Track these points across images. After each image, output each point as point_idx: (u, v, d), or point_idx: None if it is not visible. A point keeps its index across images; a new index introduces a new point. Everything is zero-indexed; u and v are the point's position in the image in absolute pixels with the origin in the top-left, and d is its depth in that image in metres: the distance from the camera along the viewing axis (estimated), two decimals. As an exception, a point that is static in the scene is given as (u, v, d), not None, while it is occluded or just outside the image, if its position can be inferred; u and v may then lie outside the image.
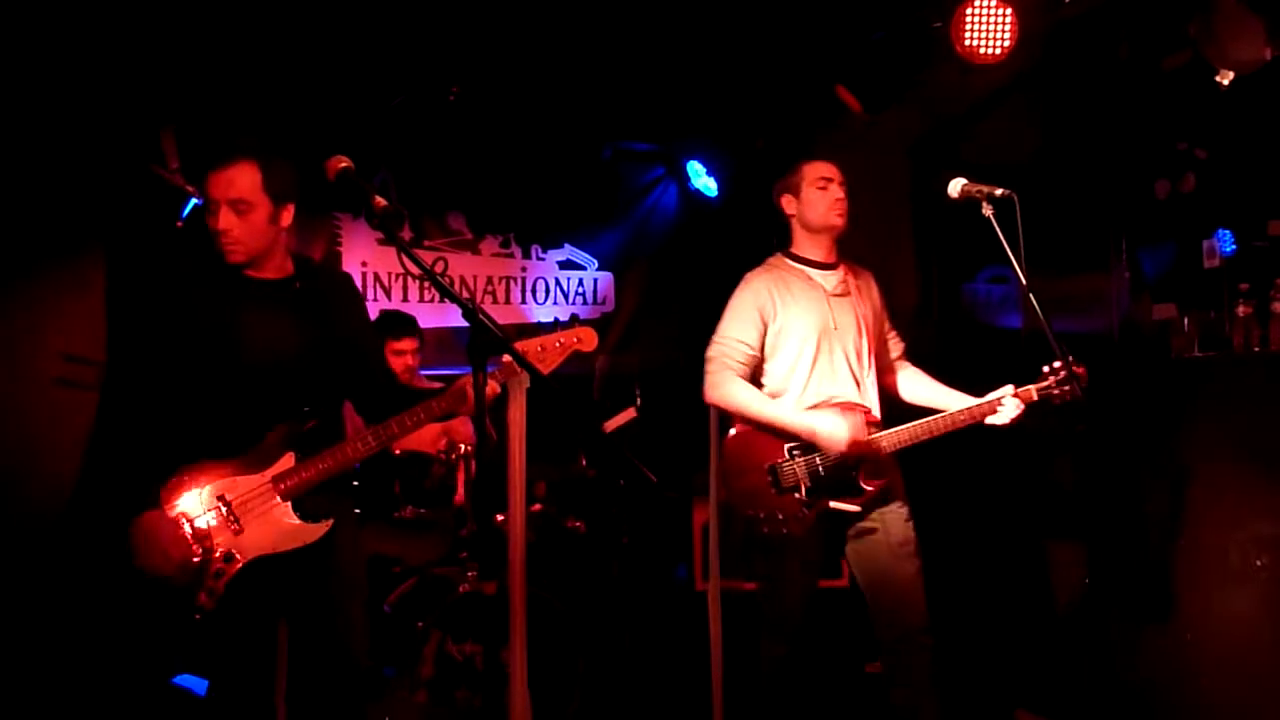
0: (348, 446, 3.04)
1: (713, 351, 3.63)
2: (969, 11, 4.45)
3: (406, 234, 5.79)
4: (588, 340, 3.11)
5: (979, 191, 3.27)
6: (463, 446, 4.36)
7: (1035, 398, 3.46)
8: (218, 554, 2.92)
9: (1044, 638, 4.75)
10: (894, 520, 3.57)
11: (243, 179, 2.93)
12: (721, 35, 5.11)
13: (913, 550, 3.55)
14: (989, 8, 4.44)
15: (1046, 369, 3.44)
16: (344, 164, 2.65)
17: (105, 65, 4.53)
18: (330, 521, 3.04)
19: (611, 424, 4.84)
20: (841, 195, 3.69)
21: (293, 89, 5.20)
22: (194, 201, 4.83)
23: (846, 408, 3.54)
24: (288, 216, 3.05)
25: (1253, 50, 4.04)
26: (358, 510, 4.20)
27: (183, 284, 3.03)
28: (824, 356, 3.57)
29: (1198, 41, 4.14)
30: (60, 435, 4.22)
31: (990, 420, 3.50)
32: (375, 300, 5.93)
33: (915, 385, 3.80)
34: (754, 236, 6.64)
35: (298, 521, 3.00)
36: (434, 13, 4.75)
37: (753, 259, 6.68)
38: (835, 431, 3.45)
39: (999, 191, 3.23)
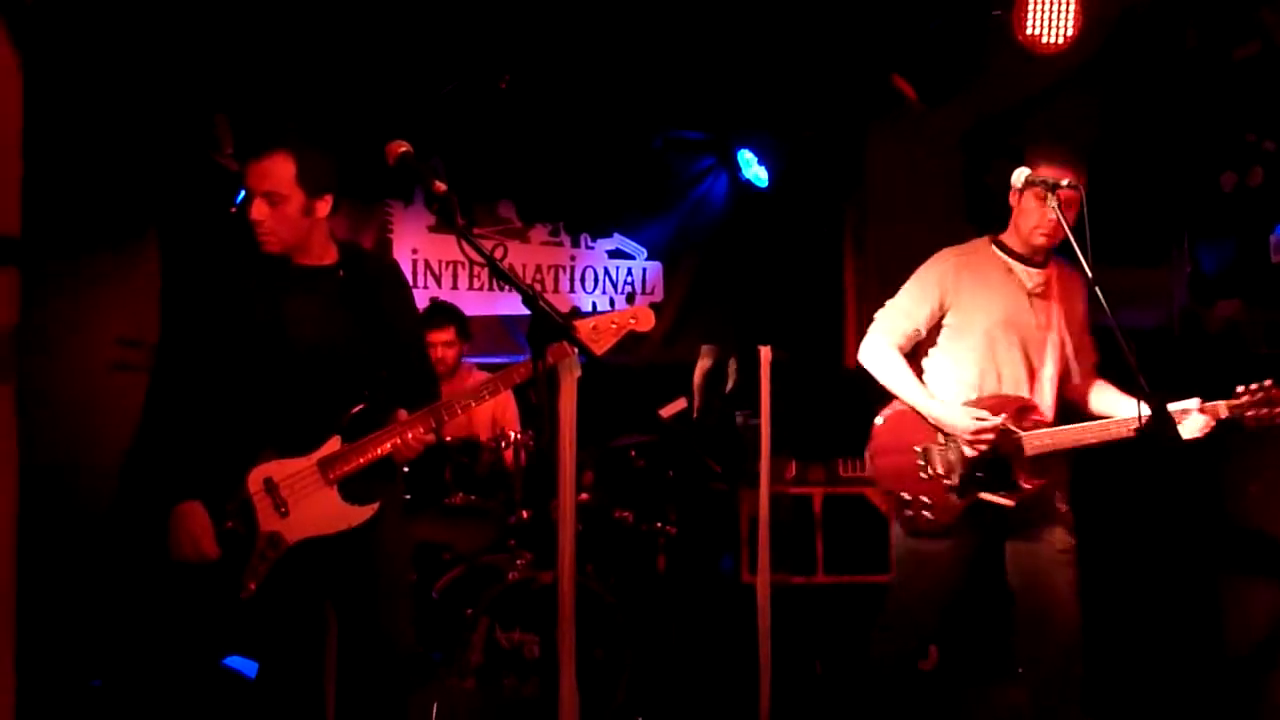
0: (394, 432, 3.02)
1: (879, 315, 3.54)
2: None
3: (459, 220, 5.81)
4: (644, 320, 3.07)
5: (1044, 182, 3.21)
6: (513, 434, 4.39)
7: (1225, 414, 3.18)
8: (262, 536, 2.94)
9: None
10: (1057, 523, 3.40)
11: (277, 170, 2.95)
12: (775, 23, 5.06)
13: (1071, 558, 3.38)
14: (1052, -5, 4.34)
15: (1241, 388, 3.17)
16: (404, 148, 2.65)
17: (161, 52, 4.56)
18: (376, 505, 3.05)
19: (662, 414, 4.82)
20: (1054, 216, 3.26)
21: (346, 75, 5.22)
22: (247, 187, 4.86)
23: (1008, 403, 3.38)
24: (324, 208, 3.05)
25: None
26: (408, 496, 4.24)
27: (230, 269, 3.05)
28: (1001, 353, 3.41)
29: (1271, 31, 4.04)
30: (116, 418, 4.26)
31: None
32: (425, 288, 5.96)
33: (1102, 397, 3.55)
34: (805, 227, 6.64)
35: (344, 504, 3.01)
36: (486, 1, 4.74)
37: (804, 249, 6.66)
38: (956, 420, 3.34)
39: (1065, 182, 3.16)
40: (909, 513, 3.38)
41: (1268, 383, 3.15)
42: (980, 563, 3.46)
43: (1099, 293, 2.98)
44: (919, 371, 3.53)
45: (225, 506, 2.94)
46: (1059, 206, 3.22)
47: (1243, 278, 4.40)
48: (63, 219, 4.28)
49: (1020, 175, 3.31)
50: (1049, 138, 3.46)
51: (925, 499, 3.35)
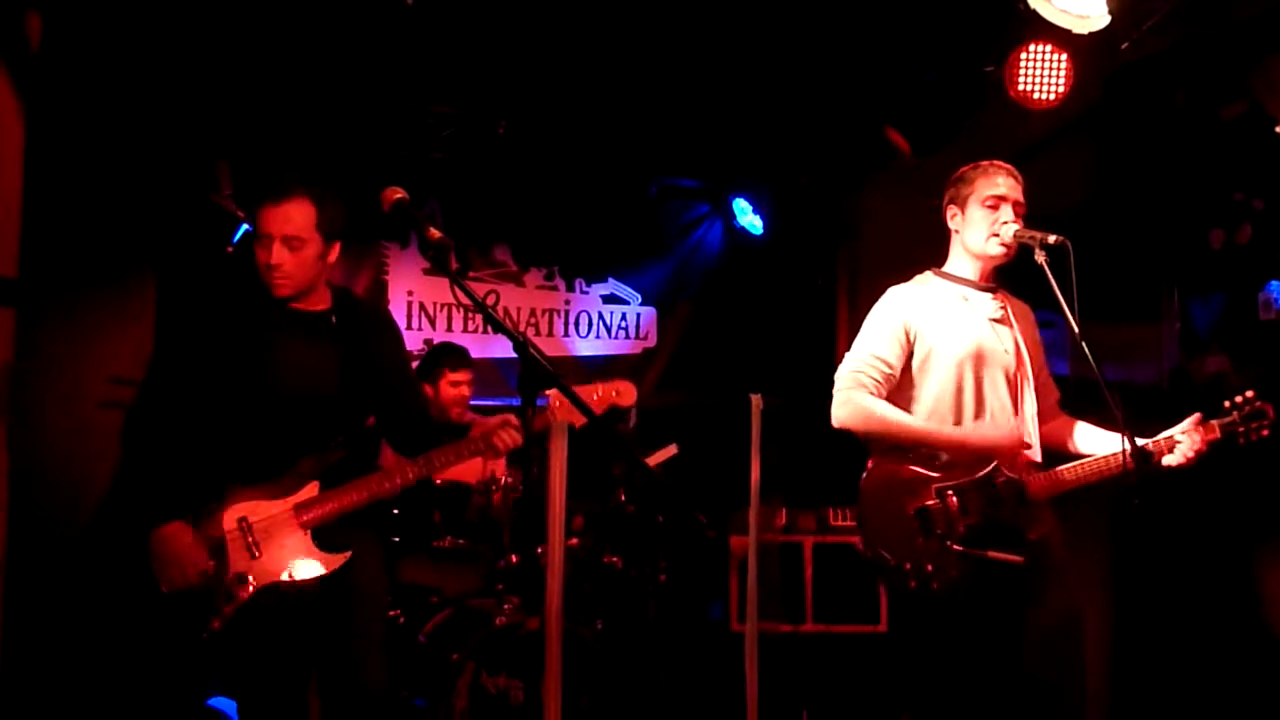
0: (374, 481, 3.06)
1: (845, 369, 3.27)
2: (1023, 56, 4.39)
3: (453, 265, 5.86)
4: (626, 394, 3.17)
5: (1032, 238, 3.16)
6: (503, 479, 4.40)
7: (1219, 435, 3.14)
8: (231, 576, 2.94)
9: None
10: (1062, 580, 3.18)
11: (299, 215, 2.98)
12: (771, 74, 5.12)
13: (1079, 622, 3.17)
14: (1044, 53, 4.38)
15: (1229, 403, 3.16)
16: (399, 195, 2.69)
17: (162, 95, 4.61)
18: (348, 554, 3.05)
19: (652, 460, 4.83)
20: (1010, 220, 3.25)
21: (345, 120, 5.27)
22: (245, 227, 4.90)
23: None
24: (334, 254, 3.11)
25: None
26: (396, 539, 4.23)
27: (225, 309, 3.08)
28: (980, 387, 3.21)
29: (1258, 93, 4.09)
30: (109, 456, 4.26)
31: (1166, 460, 3.14)
32: (420, 330, 5.98)
33: (1075, 432, 3.39)
34: (799, 275, 6.68)
35: (315, 551, 3.01)
36: (484, 47, 4.81)
37: (797, 297, 6.69)
38: (992, 433, 3.12)
39: (1052, 238, 3.09)
40: (913, 584, 3.04)
41: (1250, 394, 3.16)
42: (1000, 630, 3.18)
43: (1086, 349, 2.98)
44: None
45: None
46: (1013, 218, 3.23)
47: (1231, 334, 4.42)
48: (61, 258, 4.31)
49: (1009, 231, 3.25)
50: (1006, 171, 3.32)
51: (928, 566, 3.05)
